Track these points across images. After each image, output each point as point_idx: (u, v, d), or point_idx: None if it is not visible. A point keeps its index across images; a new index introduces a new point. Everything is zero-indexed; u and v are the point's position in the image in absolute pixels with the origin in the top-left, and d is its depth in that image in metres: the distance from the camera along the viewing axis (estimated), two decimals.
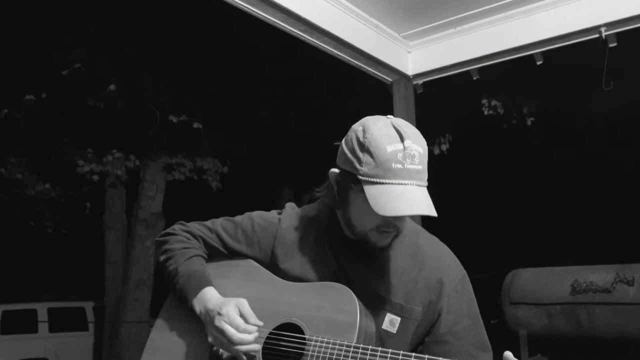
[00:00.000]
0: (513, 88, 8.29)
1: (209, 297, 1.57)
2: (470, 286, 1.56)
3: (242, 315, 1.50)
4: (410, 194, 1.34)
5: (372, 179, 1.36)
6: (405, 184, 1.35)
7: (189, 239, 1.69)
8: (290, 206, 1.73)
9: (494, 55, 3.12)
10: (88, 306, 11.88)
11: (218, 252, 1.70)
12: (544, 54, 3.04)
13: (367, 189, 1.36)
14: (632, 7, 2.65)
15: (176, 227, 1.73)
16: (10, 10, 8.05)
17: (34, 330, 11.06)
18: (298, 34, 2.77)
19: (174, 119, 8.93)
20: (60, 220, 11.88)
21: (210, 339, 1.53)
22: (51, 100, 9.05)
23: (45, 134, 9.93)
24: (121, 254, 10.65)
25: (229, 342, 1.47)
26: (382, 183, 1.35)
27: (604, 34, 2.73)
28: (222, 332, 1.48)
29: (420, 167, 1.37)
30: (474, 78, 3.32)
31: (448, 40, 3.25)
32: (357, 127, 1.45)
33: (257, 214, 1.72)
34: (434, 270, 1.52)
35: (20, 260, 14.90)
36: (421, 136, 1.42)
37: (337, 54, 3.03)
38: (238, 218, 1.72)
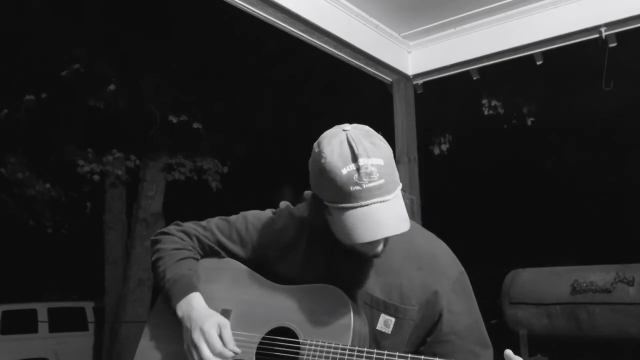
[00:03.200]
0: (513, 88, 8.28)
1: (194, 304, 1.53)
2: (468, 282, 1.52)
3: (221, 338, 1.47)
4: (375, 214, 1.29)
5: (335, 205, 1.32)
6: (367, 204, 1.29)
7: (182, 239, 1.66)
8: (284, 205, 1.70)
9: (494, 55, 3.13)
10: (88, 306, 11.88)
11: (213, 252, 1.67)
12: (544, 54, 3.05)
13: (334, 214, 1.34)
14: (632, 7, 2.66)
15: (171, 227, 1.70)
16: (10, 10, 8.04)
17: (34, 330, 11.05)
18: (298, 34, 2.78)
19: (174, 119, 8.93)
20: (60, 220, 11.86)
21: (185, 347, 1.51)
22: (51, 100, 9.05)
23: (45, 134, 9.93)
24: (121, 254, 10.64)
25: None
26: (345, 208, 1.30)
27: (604, 34, 2.73)
28: (197, 348, 1.45)
29: (381, 181, 1.29)
30: (474, 78, 3.32)
31: (448, 40, 3.25)
32: (315, 147, 1.38)
33: (251, 214, 1.69)
34: (431, 269, 1.48)
35: (20, 260, 14.87)
36: (380, 145, 1.33)
37: (337, 54, 3.03)
38: (233, 218, 1.69)
